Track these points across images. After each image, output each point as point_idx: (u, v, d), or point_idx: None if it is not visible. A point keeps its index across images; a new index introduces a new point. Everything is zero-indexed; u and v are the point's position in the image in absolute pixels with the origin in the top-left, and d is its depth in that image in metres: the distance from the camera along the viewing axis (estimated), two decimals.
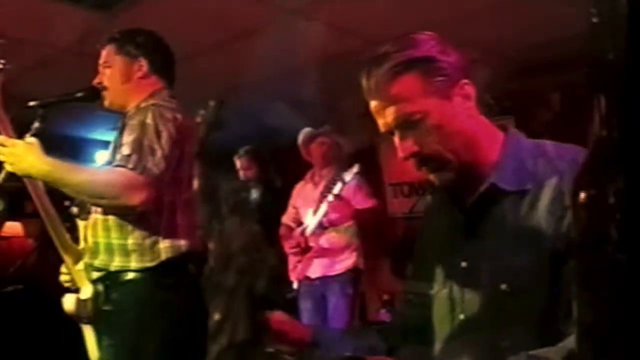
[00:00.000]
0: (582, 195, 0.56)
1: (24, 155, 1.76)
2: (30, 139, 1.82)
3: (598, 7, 0.57)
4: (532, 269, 1.07)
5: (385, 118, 1.15)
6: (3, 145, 1.79)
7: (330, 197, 3.42)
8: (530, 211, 1.10)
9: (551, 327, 1.05)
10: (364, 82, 1.17)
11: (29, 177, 1.82)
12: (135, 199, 1.73)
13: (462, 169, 1.16)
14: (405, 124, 1.14)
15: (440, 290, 1.24)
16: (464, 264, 1.19)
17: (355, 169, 3.41)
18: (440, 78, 1.13)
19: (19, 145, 1.78)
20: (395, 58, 1.13)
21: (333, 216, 3.53)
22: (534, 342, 1.06)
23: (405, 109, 1.13)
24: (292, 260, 3.69)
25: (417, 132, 1.14)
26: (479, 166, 1.17)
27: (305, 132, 3.76)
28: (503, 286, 1.10)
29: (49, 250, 2.06)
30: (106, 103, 2.05)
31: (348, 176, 3.40)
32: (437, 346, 1.24)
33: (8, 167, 1.79)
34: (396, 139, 1.17)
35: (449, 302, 1.22)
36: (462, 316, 1.19)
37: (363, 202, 3.60)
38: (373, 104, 1.17)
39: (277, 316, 1.39)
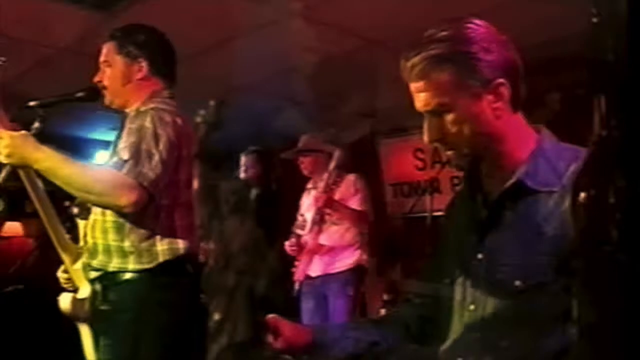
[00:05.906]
0: (582, 195, 0.56)
1: (20, 145, 1.77)
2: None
3: (598, 7, 0.57)
4: (548, 270, 1.07)
5: (417, 101, 1.21)
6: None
7: (317, 191, 3.52)
8: (553, 212, 1.11)
9: (556, 328, 1.05)
10: (402, 63, 1.20)
11: (25, 166, 1.81)
12: (123, 199, 1.73)
13: (479, 160, 1.22)
14: (432, 112, 1.19)
15: (454, 280, 1.26)
16: (480, 256, 1.20)
17: (337, 154, 3.54)
18: (473, 77, 1.15)
19: (15, 136, 1.78)
20: (434, 49, 1.16)
21: (326, 212, 3.56)
22: (537, 342, 1.06)
23: (433, 99, 1.17)
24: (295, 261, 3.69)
25: (442, 122, 1.18)
26: (503, 163, 1.20)
27: (286, 153, 3.81)
28: (517, 282, 1.11)
29: (49, 250, 2.06)
30: (106, 101, 2.04)
31: (331, 165, 3.52)
32: (445, 341, 1.25)
33: (4, 159, 1.79)
34: (425, 122, 1.22)
35: (461, 291, 1.24)
36: (472, 307, 1.20)
37: (355, 206, 3.60)
38: (410, 84, 1.21)
39: (274, 320, 1.33)
